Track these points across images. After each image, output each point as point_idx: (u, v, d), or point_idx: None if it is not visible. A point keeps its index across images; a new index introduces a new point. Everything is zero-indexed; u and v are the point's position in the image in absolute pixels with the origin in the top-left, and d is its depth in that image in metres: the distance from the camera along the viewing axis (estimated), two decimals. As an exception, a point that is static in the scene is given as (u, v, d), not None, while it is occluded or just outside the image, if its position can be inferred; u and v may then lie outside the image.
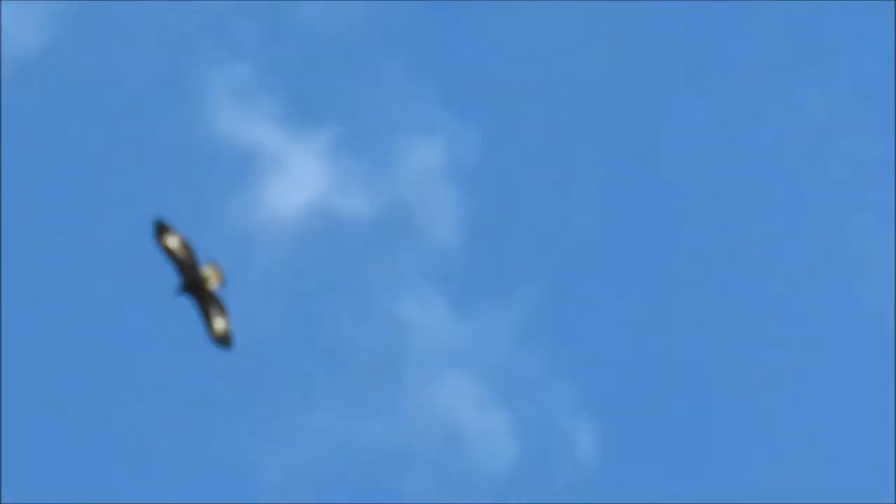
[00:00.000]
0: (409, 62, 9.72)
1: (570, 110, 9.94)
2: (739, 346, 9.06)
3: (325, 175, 9.44)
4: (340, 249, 9.30)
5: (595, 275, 9.50)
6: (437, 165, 9.48)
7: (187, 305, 4.98)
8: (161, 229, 4.94)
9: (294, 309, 9.11)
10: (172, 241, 4.95)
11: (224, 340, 5.00)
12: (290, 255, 9.20)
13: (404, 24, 9.90)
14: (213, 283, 5.02)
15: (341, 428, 8.69)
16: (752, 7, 9.91)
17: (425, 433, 8.78)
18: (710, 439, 8.93)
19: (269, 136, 9.40)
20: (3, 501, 6.66)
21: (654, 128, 9.83)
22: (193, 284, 4.91)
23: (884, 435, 8.15)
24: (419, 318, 9.09)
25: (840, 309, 9.33)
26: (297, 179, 9.37)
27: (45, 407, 8.48)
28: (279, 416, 8.76)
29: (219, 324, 4.97)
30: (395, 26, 9.90)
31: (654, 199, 9.63)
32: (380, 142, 9.54)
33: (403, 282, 9.21)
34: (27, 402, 8.31)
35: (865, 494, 7.84)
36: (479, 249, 9.39)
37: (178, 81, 9.38)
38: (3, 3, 8.82)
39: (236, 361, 8.91)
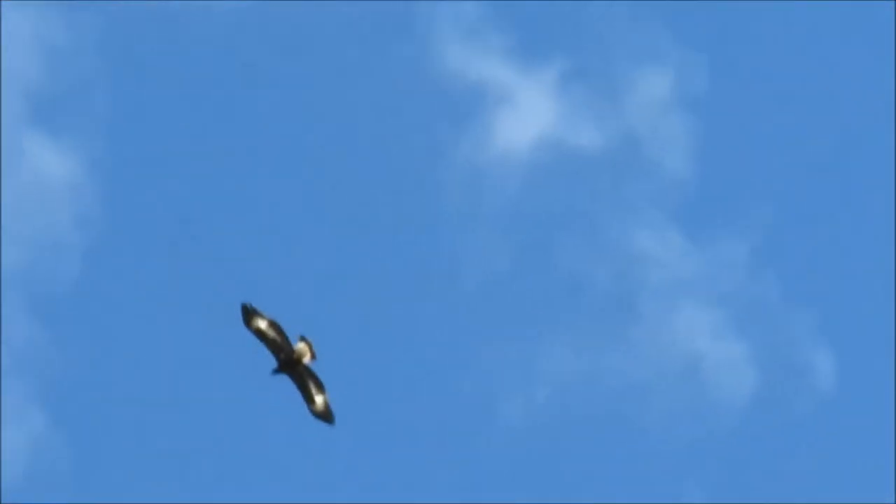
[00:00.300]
0: (636, -8, 9.48)
1: (795, 33, 9.59)
2: None
3: (555, 108, 9.41)
4: (571, 183, 9.33)
5: (828, 198, 9.34)
6: (665, 95, 9.33)
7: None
8: (249, 313, 4.89)
9: (526, 244, 9.24)
10: (262, 324, 4.90)
11: (325, 416, 4.93)
12: (521, 190, 9.28)
13: (631, -47, 9.58)
14: (307, 359, 4.94)
15: (578, 363, 8.86)
16: None
17: (663, 365, 8.88)
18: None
19: (498, 70, 9.38)
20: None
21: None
22: (288, 363, 4.89)
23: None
24: (653, 249, 9.11)
25: None
26: (527, 113, 9.38)
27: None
28: (516, 353, 8.95)
29: (318, 399, 4.92)
30: (622, -44, 9.60)
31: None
32: (608, 73, 9.43)
33: (636, 213, 9.22)
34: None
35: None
36: (710, 178, 9.29)
37: (408, 17, 9.38)
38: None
39: (470, 301, 9.16)
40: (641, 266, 9.10)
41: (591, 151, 9.34)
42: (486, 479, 8.46)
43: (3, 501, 6.51)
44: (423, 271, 9.21)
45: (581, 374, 8.76)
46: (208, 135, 9.62)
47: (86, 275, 9.08)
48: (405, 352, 8.89)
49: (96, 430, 8.56)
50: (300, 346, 4.89)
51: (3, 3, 9.01)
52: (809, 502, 7.66)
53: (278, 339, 4.83)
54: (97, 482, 8.08)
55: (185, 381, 8.73)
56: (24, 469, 8.14)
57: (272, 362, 4.81)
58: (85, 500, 7.77)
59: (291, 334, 4.88)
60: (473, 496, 8.26)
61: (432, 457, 8.51)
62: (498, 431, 8.63)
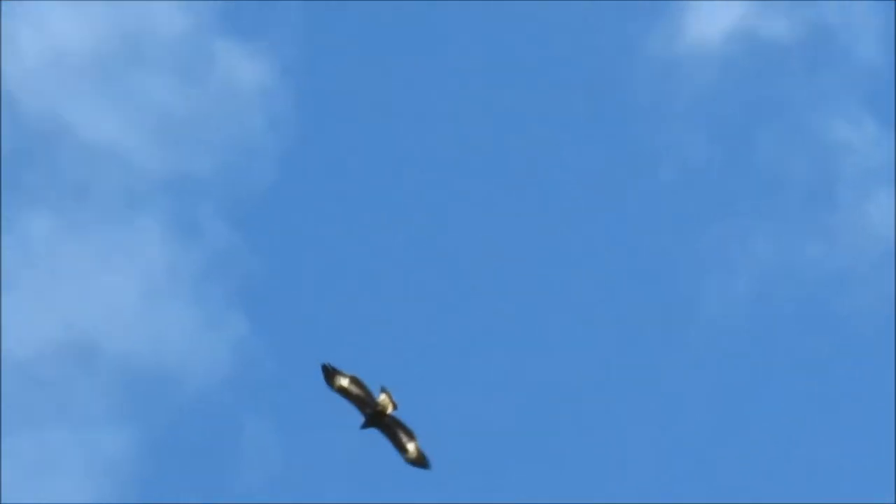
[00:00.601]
0: None
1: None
2: None
3: (746, 0, 9.36)
4: (765, 74, 9.32)
5: None
6: (857, -17, 9.27)
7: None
8: (330, 373, 4.92)
9: (722, 136, 9.26)
10: (344, 382, 4.93)
11: (419, 462, 4.96)
12: (714, 83, 9.27)
13: None
14: (390, 409, 4.94)
15: (777, 253, 8.93)
16: None
17: (861, 253, 8.95)
18: None
19: (686, -37, 9.29)
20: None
21: None
22: (374, 417, 4.93)
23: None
24: (849, 137, 9.14)
25: None
26: (718, 6, 9.33)
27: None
28: (716, 244, 9.02)
29: (410, 447, 4.94)
30: None
31: None
32: (796, -37, 9.34)
33: (830, 103, 9.22)
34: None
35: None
36: (904, 65, 9.24)
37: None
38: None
39: (669, 194, 9.20)
40: (837, 155, 9.14)
41: (784, 42, 9.32)
42: (689, 369, 8.63)
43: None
44: (621, 166, 9.27)
45: (779, 263, 8.86)
46: (398, 39, 9.57)
47: (281, 179, 9.14)
48: (608, 241, 9.02)
49: (295, 334, 8.64)
50: (382, 399, 4.90)
51: None
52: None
53: (362, 394, 4.89)
54: (296, 386, 8.14)
55: (384, 280, 8.83)
56: (227, 373, 8.26)
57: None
58: (285, 403, 7.92)
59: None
60: (681, 386, 8.45)
61: (642, 339, 8.65)
62: (700, 323, 8.78)
